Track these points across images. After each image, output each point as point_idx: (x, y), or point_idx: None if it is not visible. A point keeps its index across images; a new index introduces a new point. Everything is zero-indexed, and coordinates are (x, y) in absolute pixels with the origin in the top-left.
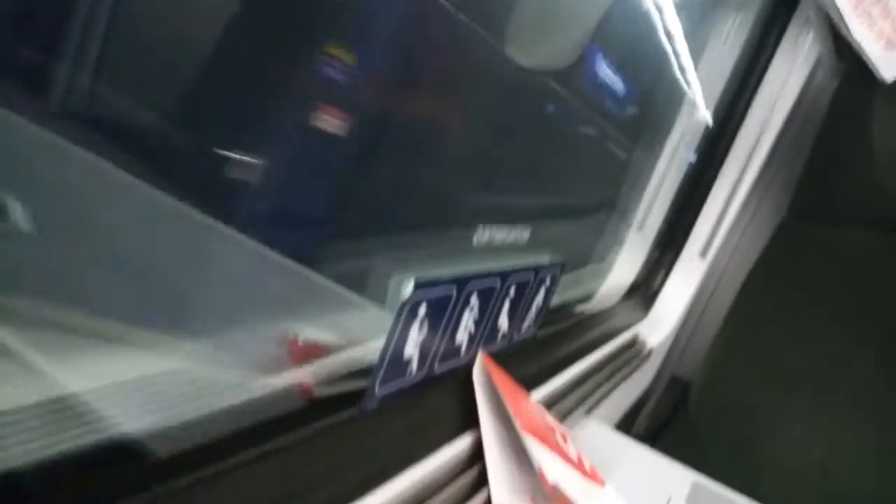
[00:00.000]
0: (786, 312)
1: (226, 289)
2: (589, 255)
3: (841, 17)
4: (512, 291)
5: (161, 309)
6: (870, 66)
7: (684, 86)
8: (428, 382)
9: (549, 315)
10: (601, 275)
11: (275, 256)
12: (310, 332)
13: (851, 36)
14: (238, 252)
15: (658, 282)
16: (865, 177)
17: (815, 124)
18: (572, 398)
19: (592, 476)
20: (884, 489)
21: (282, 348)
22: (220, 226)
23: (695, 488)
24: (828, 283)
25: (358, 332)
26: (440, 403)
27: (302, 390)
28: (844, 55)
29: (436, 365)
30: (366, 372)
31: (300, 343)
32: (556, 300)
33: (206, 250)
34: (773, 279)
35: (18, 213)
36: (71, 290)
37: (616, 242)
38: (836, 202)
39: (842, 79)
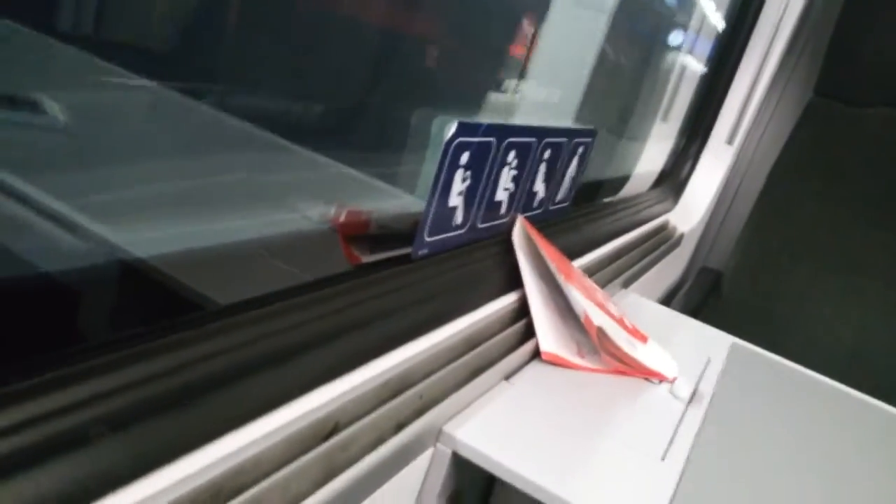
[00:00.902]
0: (815, 195)
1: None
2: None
3: None
4: (547, 154)
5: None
6: None
7: None
8: (472, 240)
9: (581, 197)
10: (631, 161)
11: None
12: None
13: None
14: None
15: (686, 170)
16: (888, 55)
17: (837, 5)
18: (609, 270)
19: (634, 332)
20: None
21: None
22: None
23: (734, 349)
24: (857, 163)
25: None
26: (485, 263)
27: (350, 257)
28: None
29: (479, 223)
30: (409, 238)
31: (344, 217)
32: (588, 179)
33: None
34: (802, 161)
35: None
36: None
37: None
38: (863, 80)
39: None
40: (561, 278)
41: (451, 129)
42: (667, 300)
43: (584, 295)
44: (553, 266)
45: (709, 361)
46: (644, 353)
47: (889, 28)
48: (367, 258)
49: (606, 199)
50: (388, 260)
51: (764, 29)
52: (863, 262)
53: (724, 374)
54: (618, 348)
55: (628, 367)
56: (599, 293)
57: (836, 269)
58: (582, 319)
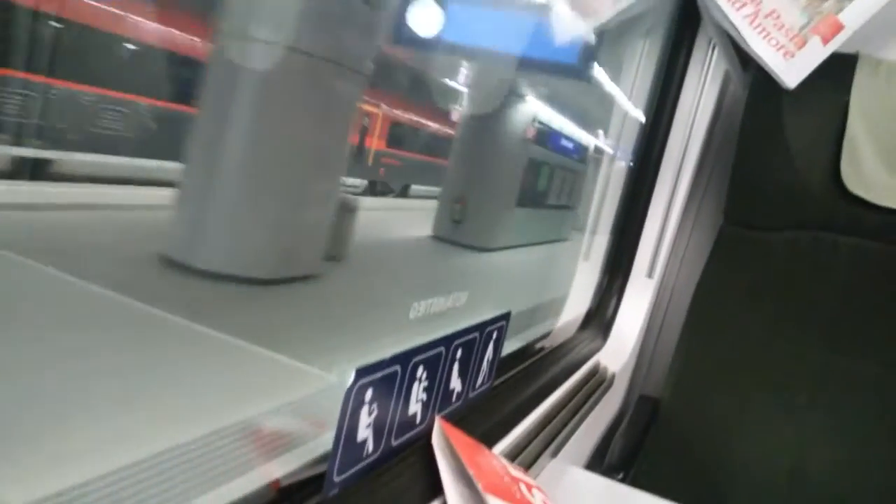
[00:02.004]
0: (737, 318)
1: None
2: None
3: (739, 33)
4: (459, 353)
5: None
6: (773, 75)
7: (610, 118)
8: (388, 458)
9: (507, 359)
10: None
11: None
12: (272, 421)
13: (751, 49)
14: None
15: (612, 308)
16: (787, 179)
17: (735, 135)
18: (537, 443)
19: None
20: (849, 488)
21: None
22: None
23: None
24: (771, 285)
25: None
26: (403, 477)
27: (270, 483)
28: (750, 67)
29: (392, 440)
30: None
31: (265, 434)
32: (514, 342)
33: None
34: (720, 287)
35: None
36: None
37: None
38: (766, 207)
39: (750, 90)
40: (479, 486)
41: (350, 377)
42: (610, 433)
43: (504, 499)
44: (471, 472)
45: None
46: None
47: (780, 152)
48: (287, 480)
49: (538, 346)
50: (305, 487)
51: (669, 163)
52: (790, 379)
53: None
54: None
55: None
56: (523, 482)
57: (766, 389)
58: None
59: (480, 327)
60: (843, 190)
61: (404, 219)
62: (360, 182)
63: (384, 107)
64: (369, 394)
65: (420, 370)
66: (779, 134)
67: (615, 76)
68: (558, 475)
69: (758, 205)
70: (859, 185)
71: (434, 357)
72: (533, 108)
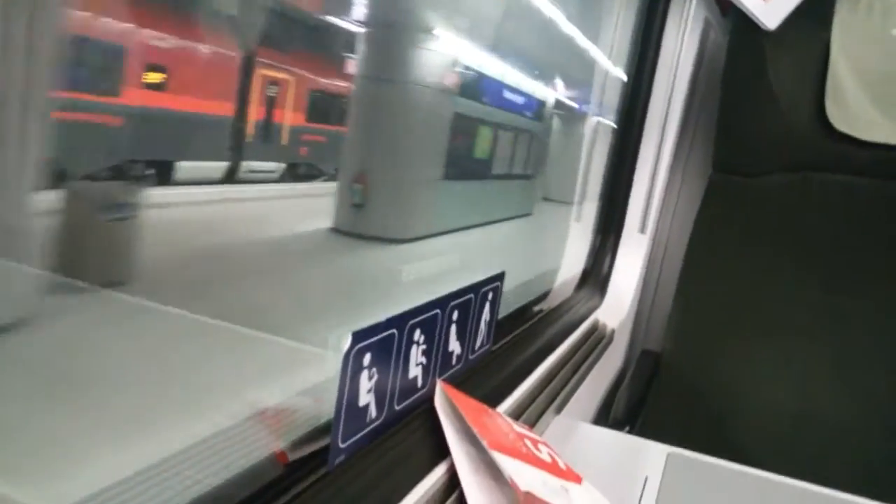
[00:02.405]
0: (732, 265)
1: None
2: None
3: None
4: (456, 315)
5: None
6: (753, 18)
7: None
8: (392, 423)
9: (507, 321)
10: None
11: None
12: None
13: None
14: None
15: (607, 265)
16: (772, 122)
17: (718, 83)
18: (541, 401)
19: (568, 474)
20: (854, 422)
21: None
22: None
23: (670, 460)
24: (764, 230)
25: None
26: (409, 441)
27: (278, 456)
28: (730, 13)
29: (395, 404)
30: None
31: (271, 413)
32: (513, 304)
33: None
34: (713, 236)
35: None
36: None
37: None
38: (754, 152)
39: (731, 35)
40: (485, 444)
41: (347, 341)
42: (614, 389)
43: (510, 454)
44: (476, 431)
45: (646, 480)
46: (579, 499)
47: (764, 96)
48: (294, 455)
49: (536, 308)
50: (311, 460)
51: (654, 116)
52: (789, 321)
53: (662, 491)
54: None
55: None
56: (528, 438)
57: (765, 333)
58: (510, 485)
59: (475, 288)
60: (830, 129)
61: (313, 208)
62: (276, 166)
63: (298, 71)
64: (367, 358)
65: (417, 333)
66: (762, 78)
67: (594, 35)
68: (565, 431)
69: (745, 150)
70: (845, 123)
71: (431, 319)
72: (452, 49)
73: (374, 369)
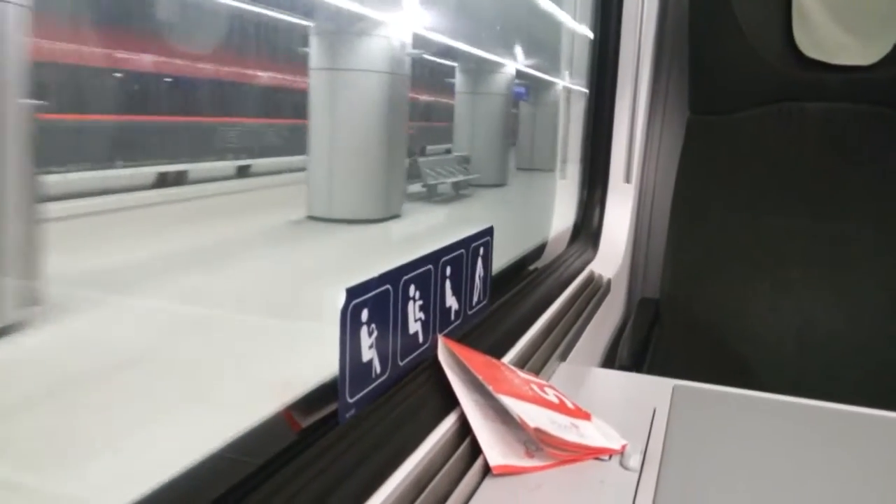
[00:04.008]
0: (719, 204)
1: None
2: None
3: None
4: (449, 271)
5: None
6: None
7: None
8: (398, 379)
9: (504, 280)
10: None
11: None
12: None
13: None
14: None
15: (596, 218)
16: (742, 57)
17: (686, 26)
18: (544, 350)
19: (576, 413)
20: (854, 342)
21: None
22: None
23: (676, 392)
24: (747, 165)
25: None
26: (416, 396)
27: (290, 424)
28: None
29: (399, 361)
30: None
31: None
32: (505, 262)
33: None
34: (698, 177)
35: None
36: None
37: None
38: (728, 89)
39: None
40: (490, 389)
41: (342, 298)
42: (617, 337)
43: (517, 398)
44: (481, 378)
45: (654, 412)
46: (589, 433)
47: (732, 32)
48: (305, 421)
49: (531, 267)
50: (324, 421)
51: (627, 69)
52: (783, 249)
53: (671, 421)
54: (561, 440)
55: (575, 453)
56: (534, 384)
57: (762, 265)
58: (520, 424)
59: (465, 243)
60: (800, 56)
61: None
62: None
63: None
64: (365, 314)
65: (412, 289)
66: (728, 14)
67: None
68: (572, 375)
69: (720, 89)
70: (815, 49)
71: (424, 274)
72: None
73: (372, 325)
